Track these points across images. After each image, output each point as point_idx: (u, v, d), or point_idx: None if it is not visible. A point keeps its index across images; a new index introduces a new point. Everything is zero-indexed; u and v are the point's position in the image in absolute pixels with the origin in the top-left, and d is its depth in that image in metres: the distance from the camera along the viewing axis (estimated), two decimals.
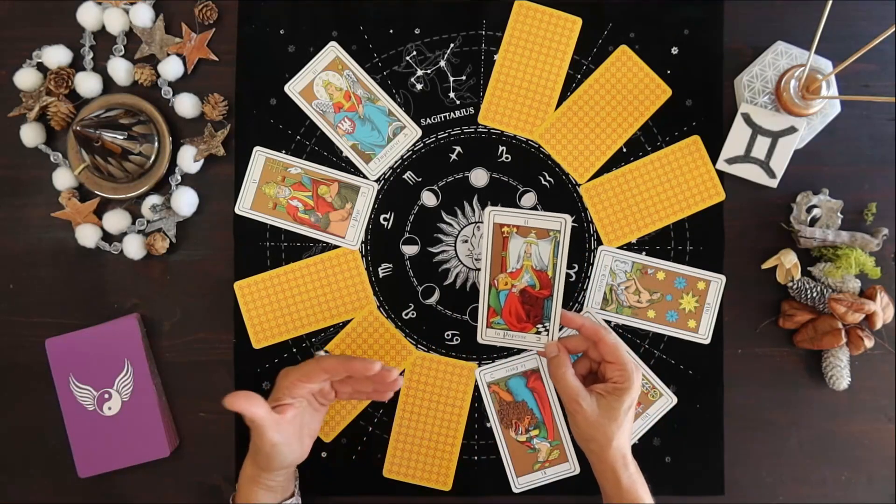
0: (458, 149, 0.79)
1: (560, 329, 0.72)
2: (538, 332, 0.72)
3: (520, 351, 0.77)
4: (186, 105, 0.78)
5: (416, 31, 0.79)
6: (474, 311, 0.78)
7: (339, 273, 0.78)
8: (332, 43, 0.79)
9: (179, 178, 0.79)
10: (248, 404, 0.63)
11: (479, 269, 0.77)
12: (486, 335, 0.73)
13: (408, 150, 0.79)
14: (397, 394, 0.78)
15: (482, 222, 0.73)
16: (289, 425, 0.66)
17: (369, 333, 0.78)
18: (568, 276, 0.78)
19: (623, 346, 0.69)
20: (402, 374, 0.77)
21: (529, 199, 0.78)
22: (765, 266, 0.78)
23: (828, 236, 0.75)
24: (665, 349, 0.78)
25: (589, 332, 0.69)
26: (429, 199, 0.79)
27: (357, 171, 0.79)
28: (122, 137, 0.74)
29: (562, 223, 0.69)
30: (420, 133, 0.79)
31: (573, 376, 0.68)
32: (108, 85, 0.79)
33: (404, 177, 0.79)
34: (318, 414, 0.71)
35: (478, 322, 0.73)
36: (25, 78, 0.78)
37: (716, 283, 0.77)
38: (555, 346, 0.70)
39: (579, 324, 0.70)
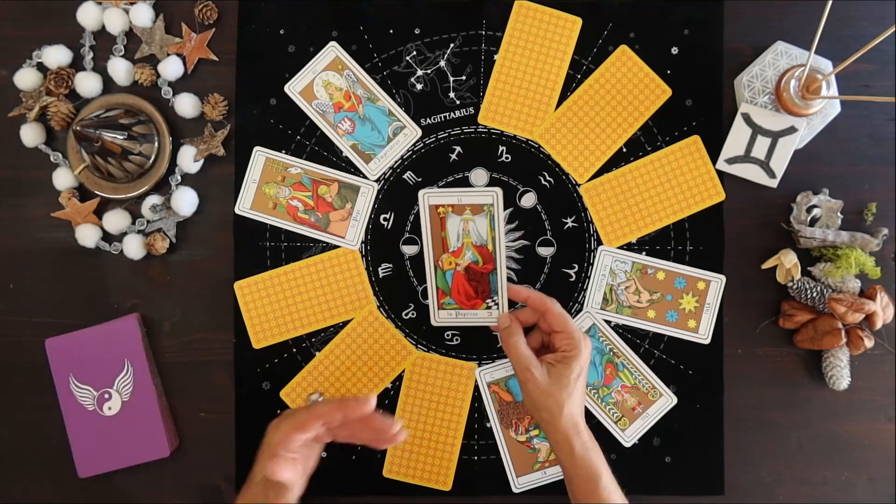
0: (458, 149, 0.79)
1: (513, 304, 0.73)
2: (488, 308, 0.73)
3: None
4: (186, 105, 0.78)
5: (416, 31, 0.79)
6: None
7: (339, 273, 0.78)
8: (332, 43, 0.79)
9: (179, 178, 0.79)
10: (290, 471, 0.61)
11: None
12: (439, 317, 0.74)
13: (408, 150, 0.79)
14: (397, 394, 0.78)
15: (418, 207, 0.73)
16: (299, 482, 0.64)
17: (369, 333, 0.78)
18: (567, 275, 0.78)
19: (569, 316, 0.71)
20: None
21: (529, 198, 0.78)
22: (765, 266, 0.78)
23: (828, 236, 0.75)
24: (665, 349, 0.78)
25: (536, 303, 0.71)
26: None
27: (357, 171, 0.79)
28: (122, 137, 0.74)
29: (493, 196, 0.71)
30: (420, 133, 0.79)
31: (525, 345, 0.70)
32: (108, 85, 0.79)
33: (404, 177, 0.79)
34: (314, 452, 0.68)
35: (429, 306, 0.74)
36: (25, 78, 0.78)
37: (716, 283, 0.77)
38: (506, 317, 0.72)
39: (525, 295, 0.72)
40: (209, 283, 0.79)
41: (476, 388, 0.78)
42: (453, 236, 0.72)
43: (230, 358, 0.78)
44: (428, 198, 0.72)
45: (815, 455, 0.78)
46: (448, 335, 0.78)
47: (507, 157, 0.79)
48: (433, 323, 0.74)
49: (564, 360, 0.68)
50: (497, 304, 0.73)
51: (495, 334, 0.77)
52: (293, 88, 0.79)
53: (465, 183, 0.78)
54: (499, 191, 0.71)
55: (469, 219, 0.72)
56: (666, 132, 0.78)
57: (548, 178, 0.79)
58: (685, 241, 0.78)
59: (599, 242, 0.78)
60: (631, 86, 0.78)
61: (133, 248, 0.77)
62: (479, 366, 0.78)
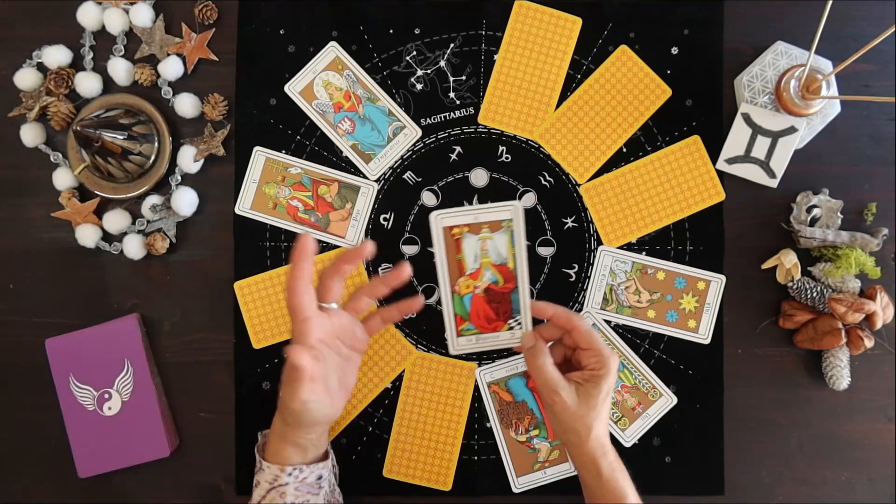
0: (458, 149, 0.79)
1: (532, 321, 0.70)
2: (511, 328, 0.70)
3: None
4: (186, 105, 0.78)
5: (416, 31, 0.79)
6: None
7: None
8: (332, 43, 0.79)
9: (179, 178, 0.79)
10: (307, 356, 0.58)
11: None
12: (458, 345, 0.70)
13: (408, 150, 0.79)
14: (397, 394, 0.78)
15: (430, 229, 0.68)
16: (318, 383, 0.61)
17: None
18: (567, 275, 0.78)
19: (597, 333, 0.68)
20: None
21: (529, 198, 0.78)
22: (765, 266, 0.78)
23: (828, 236, 0.75)
24: (665, 349, 0.78)
25: (561, 320, 0.68)
26: (429, 199, 0.79)
27: (357, 171, 0.79)
28: (122, 137, 0.74)
29: (513, 210, 0.66)
30: (420, 133, 0.79)
31: (552, 366, 0.66)
32: (108, 85, 0.79)
33: (404, 177, 0.79)
34: (351, 364, 0.66)
35: (446, 334, 0.70)
36: (25, 78, 0.78)
37: (716, 283, 0.77)
38: (531, 336, 0.69)
39: (551, 313, 0.68)
40: (209, 283, 0.79)
41: (476, 388, 0.78)
42: (470, 258, 0.67)
43: (230, 358, 0.78)
44: (441, 219, 0.66)
45: (815, 455, 0.78)
46: None
47: (507, 157, 0.79)
48: (452, 352, 0.71)
49: (593, 378, 0.65)
50: (520, 323, 0.69)
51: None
52: (293, 88, 0.79)
53: (466, 183, 0.78)
54: (518, 204, 0.66)
55: (487, 237, 0.66)
56: (666, 132, 0.78)
57: (548, 178, 0.79)
58: (685, 241, 0.78)
59: (599, 242, 0.78)
60: (631, 86, 0.78)
61: (133, 248, 0.77)
62: (479, 366, 0.78)
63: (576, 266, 0.78)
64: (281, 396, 0.62)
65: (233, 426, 0.78)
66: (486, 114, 0.79)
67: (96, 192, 0.78)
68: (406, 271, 0.67)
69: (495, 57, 0.79)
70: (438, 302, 0.78)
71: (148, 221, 0.78)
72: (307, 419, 0.62)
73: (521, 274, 0.68)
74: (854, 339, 0.75)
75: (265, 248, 0.78)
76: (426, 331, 0.78)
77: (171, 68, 0.78)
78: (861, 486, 0.78)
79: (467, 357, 0.78)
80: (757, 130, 0.75)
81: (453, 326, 0.70)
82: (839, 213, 0.77)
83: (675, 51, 0.79)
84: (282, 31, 0.79)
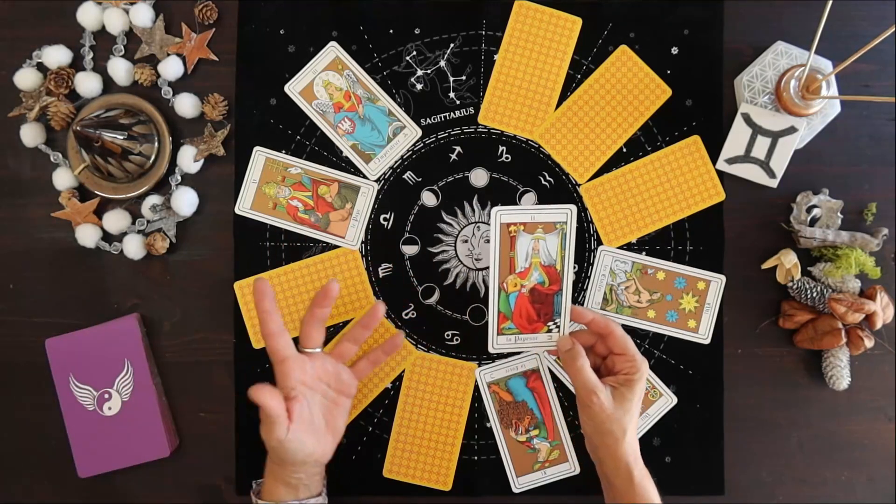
0: (458, 149, 0.79)
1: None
2: (549, 331, 0.71)
3: (520, 350, 0.77)
4: (186, 105, 0.78)
5: (416, 31, 0.79)
6: (475, 311, 0.78)
7: (339, 273, 0.78)
8: (332, 43, 0.79)
9: (179, 178, 0.79)
10: (269, 397, 0.62)
11: (479, 270, 0.77)
12: (498, 343, 0.71)
13: (408, 150, 0.79)
14: (397, 394, 0.78)
15: (488, 224, 0.69)
16: (297, 422, 0.64)
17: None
18: None
19: (630, 339, 0.70)
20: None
21: (529, 198, 0.78)
22: (765, 266, 0.78)
23: (828, 236, 0.75)
24: (665, 349, 0.78)
25: (599, 326, 0.70)
26: (429, 199, 0.79)
27: (357, 171, 0.79)
28: (122, 137, 0.74)
29: (568, 214, 0.68)
30: (420, 133, 0.79)
31: (590, 369, 0.68)
32: (108, 85, 0.79)
33: (404, 177, 0.79)
34: (339, 408, 0.69)
35: (488, 332, 0.71)
36: (25, 78, 0.78)
37: (716, 283, 0.77)
38: (568, 339, 0.70)
39: (589, 318, 0.70)
40: (209, 283, 0.79)
41: (476, 388, 0.78)
42: (522, 256, 0.69)
43: (230, 358, 0.78)
44: (500, 216, 0.68)
45: (815, 455, 0.78)
46: (448, 335, 0.78)
47: (507, 157, 0.79)
48: (490, 350, 0.72)
49: (627, 382, 0.67)
50: (558, 326, 0.70)
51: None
52: (293, 88, 0.79)
53: (466, 183, 0.78)
54: (573, 208, 0.68)
55: (540, 237, 0.68)
56: (666, 132, 0.78)
57: (548, 178, 0.79)
58: (685, 241, 0.78)
59: (599, 242, 0.78)
60: (631, 86, 0.78)
61: (133, 248, 0.77)
62: (479, 366, 0.78)
63: (576, 266, 0.78)
64: (262, 437, 0.65)
65: (233, 426, 0.78)
66: (486, 114, 0.79)
67: (96, 192, 0.78)
68: (380, 311, 0.71)
69: (495, 57, 0.79)
70: (438, 302, 0.78)
71: (148, 221, 0.78)
72: (290, 457, 0.65)
73: (566, 277, 0.69)
74: (854, 339, 0.75)
75: (265, 248, 0.78)
76: (426, 331, 0.78)
77: (171, 68, 0.78)
78: (861, 486, 0.78)
79: (468, 357, 0.78)
80: (757, 130, 0.75)
81: (495, 324, 0.71)
82: (839, 213, 0.77)
83: (675, 51, 0.79)
84: (282, 31, 0.79)
